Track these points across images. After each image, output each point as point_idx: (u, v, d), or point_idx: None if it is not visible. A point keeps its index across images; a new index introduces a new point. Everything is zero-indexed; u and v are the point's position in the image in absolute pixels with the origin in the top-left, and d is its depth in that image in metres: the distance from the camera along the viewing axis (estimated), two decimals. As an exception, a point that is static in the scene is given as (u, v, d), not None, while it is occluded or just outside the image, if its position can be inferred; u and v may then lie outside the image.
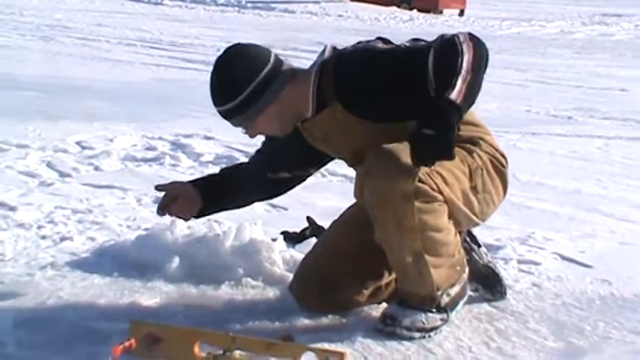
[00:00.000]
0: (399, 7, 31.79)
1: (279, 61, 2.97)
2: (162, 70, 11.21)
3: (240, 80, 2.91)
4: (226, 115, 2.97)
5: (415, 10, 31.27)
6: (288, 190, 3.38)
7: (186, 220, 3.29)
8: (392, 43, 3.00)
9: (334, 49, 3.05)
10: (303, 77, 2.98)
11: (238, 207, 3.40)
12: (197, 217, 3.27)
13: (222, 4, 29.97)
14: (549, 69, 13.55)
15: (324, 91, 2.96)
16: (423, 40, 2.96)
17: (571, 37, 22.24)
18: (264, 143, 3.29)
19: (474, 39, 2.78)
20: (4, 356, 2.67)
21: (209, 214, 3.33)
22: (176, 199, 3.15)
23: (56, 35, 15.44)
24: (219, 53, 3.00)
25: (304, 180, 3.37)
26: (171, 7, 27.66)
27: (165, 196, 3.16)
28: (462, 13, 33.14)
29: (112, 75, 10.69)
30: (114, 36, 15.77)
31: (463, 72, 2.68)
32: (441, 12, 32.60)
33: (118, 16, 21.68)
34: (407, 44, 2.96)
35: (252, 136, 3.05)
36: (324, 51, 3.03)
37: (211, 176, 3.37)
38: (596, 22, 29.88)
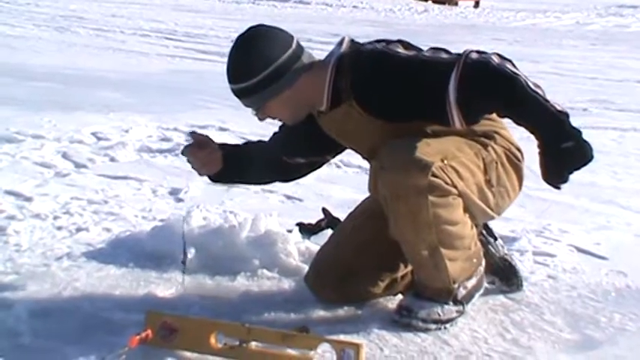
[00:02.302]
0: (413, -2, 31.71)
1: (299, 48, 2.95)
2: (177, 61, 11.23)
3: (259, 61, 2.88)
4: (239, 94, 2.95)
5: (430, 2, 31.16)
6: (304, 174, 3.40)
7: (200, 174, 3.24)
8: (412, 47, 2.96)
9: (352, 42, 3.02)
10: (319, 69, 2.96)
11: (253, 183, 3.54)
12: (213, 180, 3.28)
13: (237, -5, 29.94)
14: (564, 60, 13.49)
15: (340, 86, 2.94)
16: (443, 50, 2.93)
17: (586, 29, 22.12)
18: (280, 127, 3.29)
19: (505, 58, 2.81)
20: (20, 346, 2.69)
21: (224, 181, 3.37)
22: (202, 148, 3.16)
23: (71, 26, 15.46)
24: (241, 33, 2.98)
25: (320, 166, 3.37)
26: (185, -2, 27.67)
27: (195, 139, 3.18)
28: (477, 5, 33.01)
29: (127, 66, 10.70)
30: (128, 27, 15.78)
31: (533, 87, 2.72)
32: (455, 3, 32.48)
33: (133, 6, 21.68)
34: (427, 54, 2.91)
35: (261, 119, 3.03)
36: (341, 42, 3.01)
37: (237, 146, 3.36)
38: (611, 14, 29.72)
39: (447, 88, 2.75)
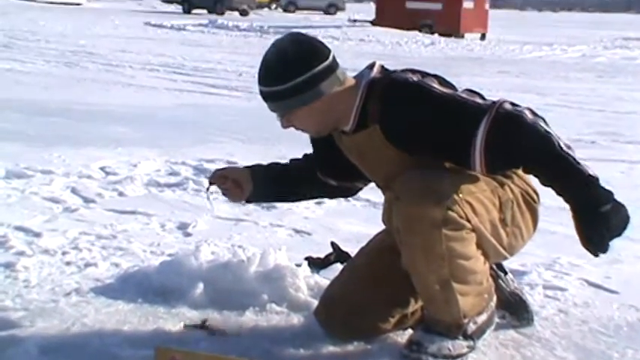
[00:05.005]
0: (420, 31, 31.84)
1: (335, 63, 2.92)
2: (185, 96, 11.25)
3: (294, 67, 2.86)
4: (267, 97, 2.92)
5: (437, 35, 31.31)
6: (342, 196, 3.45)
7: (233, 201, 3.34)
8: (448, 84, 2.93)
9: (383, 68, 3.01)
10: (351, 88, 2.94)
11: (293, 199, 3.61)
12: (247, 202, 3.33)
13: (245, 30, 30.11)
14: (571, 93, 13.49)
15: (368, 111, 2.91)
16: (478, 94, 2.90)
17: (593, 61, 22.16)
18: (314, 150, 3.27)
19: (537, 114, 2.78)
20: (29, 383, 2.68)
21: (258, 201, 3.45)
22: (226, 180, 3.18)
23: (80, 61, 15.55)
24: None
25: (353, 193, 3.36)
26: (193, 33, 27.82)
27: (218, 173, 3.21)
28: (483, 37, 33.16)
29: (136, 100, 10.74)
30: (137, 61, 15.85)
31: (565, 149, 2.69)
32: (462, 36, 32.63)
33: (141, 41, 21.82)
34: (462, 94, 2.87)
35: (285, 126, 3.00)
36: (371, 66, 3.00)
37: (267, 165, 3.31)
38: (618, 46, 29.78)
39: (475, 132, 2.73)
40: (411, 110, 2.84)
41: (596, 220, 2.66)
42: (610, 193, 2.68)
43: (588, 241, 2.71)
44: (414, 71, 2.98)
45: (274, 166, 3.30)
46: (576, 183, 2.68)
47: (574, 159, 2.68)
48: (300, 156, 3.33)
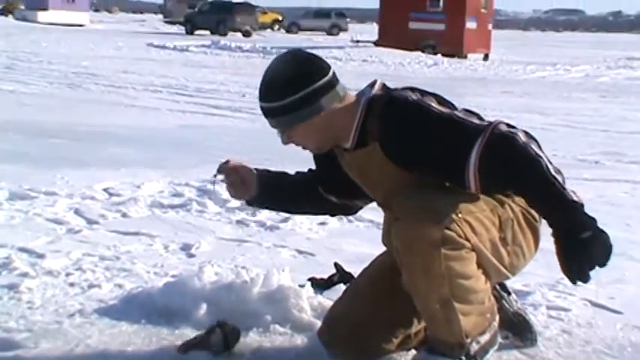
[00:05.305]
0: (423, 51, 31.90)
1: (335, 79, 2.94)
2: (188, 117, 11.27)
3: (293, 83, 2.87)
4: (267, 113, 2.94)
5: (440, 55, 31.38)
6: (342, 213, 3.47)
7: (235, 198, 3.31)
8: (446, 103, 2.93)
9: (384, 86, 3.02)
10: (351, 104, 2.95)
11: (293, 212, 3.65)
12: (248, 204, 3.32)
13: (248, 51, 30.21)
14: (575, 113, 13.51)
15: (368, 128, 2.92)
16: (476, 115, 2.90)
17: (596, 81, 22.20)
18: (316, 166, 3.28)
19: (531, 136, 2.78)
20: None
21: (259, 205, 3.42)
22: (234, 174, 3.17)
23: (83, 82, 15.59)
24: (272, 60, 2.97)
25: (353, 211, 3.37)
26: (196, 54, 27.91)
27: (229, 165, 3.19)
28: (486, 58, 33.22)
29: (139, 121, 10.76)
30: (140, 82, 15.89)
31: (554, 173, 2.68)
32: (465, 56, 32.69)
33: (144, 62, 21.90)
34: (459, 114, 2.87)
35: (285, 142, 3.01)
36: (373, 84, 3.01)
37: (274, 172, 3.32)
38: (621, 66, 29.83)
39: (470, 152, 2.73)
40: (410, 128, 2.85)
41: (577, 247, 2.62)
42: (593, 220, 2.64)
43: (568, 269, 2.68)
44: (413, 89, 2.98)
45: (281, 175, 3.31)
46: (559, 207, 2.65)
47: (560, 184, 2.67)
48: (305, 170, 3.34)
